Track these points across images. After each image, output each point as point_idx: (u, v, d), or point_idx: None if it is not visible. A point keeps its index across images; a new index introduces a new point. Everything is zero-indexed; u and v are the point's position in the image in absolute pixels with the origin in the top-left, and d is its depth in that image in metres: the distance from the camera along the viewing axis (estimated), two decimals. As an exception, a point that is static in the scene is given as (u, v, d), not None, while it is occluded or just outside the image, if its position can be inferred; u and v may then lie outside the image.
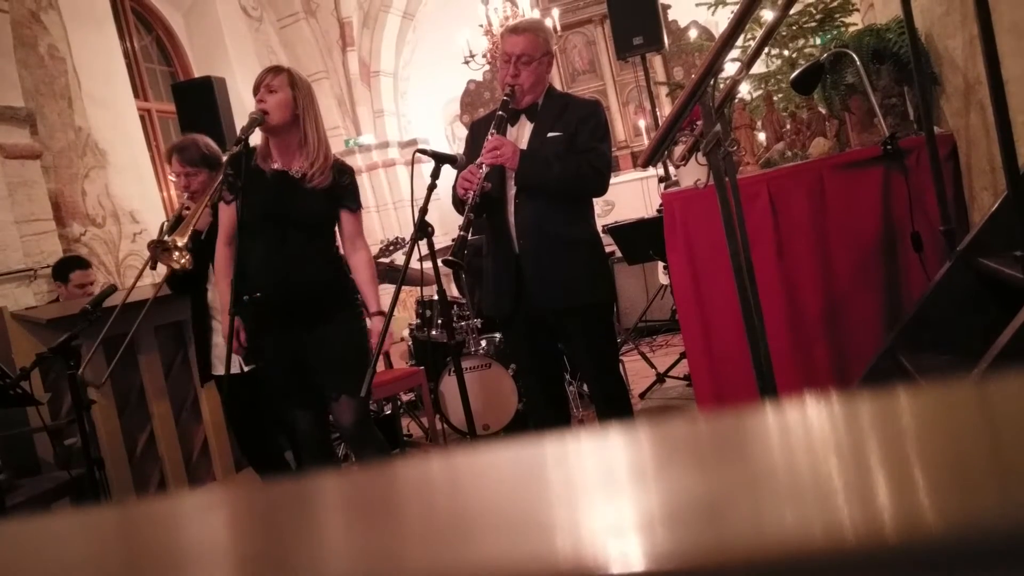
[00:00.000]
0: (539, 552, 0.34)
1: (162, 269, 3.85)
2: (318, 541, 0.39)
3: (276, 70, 3.41)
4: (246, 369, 3.68)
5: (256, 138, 3.48)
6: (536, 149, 3.33)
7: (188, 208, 3.86)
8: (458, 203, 3.32)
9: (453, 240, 3.22)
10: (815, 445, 0.41)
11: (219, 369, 3.85)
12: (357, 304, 3.52)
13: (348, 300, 3.49)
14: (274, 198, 3.36)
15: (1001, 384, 0.43)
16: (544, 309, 3.38)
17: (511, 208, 3.36)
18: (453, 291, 6.84)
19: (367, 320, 3.50)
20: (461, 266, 3.23)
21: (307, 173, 3.36)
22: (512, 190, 3.35)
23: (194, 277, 3.81)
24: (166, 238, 3.61)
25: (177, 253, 3.57)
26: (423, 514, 0.41)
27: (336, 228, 3.52)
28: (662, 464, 0.41)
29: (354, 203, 3.49)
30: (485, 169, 3.23)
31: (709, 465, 0.40)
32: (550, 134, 3.34)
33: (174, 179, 4.11)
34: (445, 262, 3.20)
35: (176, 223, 3.80)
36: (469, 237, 3.23)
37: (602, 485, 0.40)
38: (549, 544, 0.34)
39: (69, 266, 5.22)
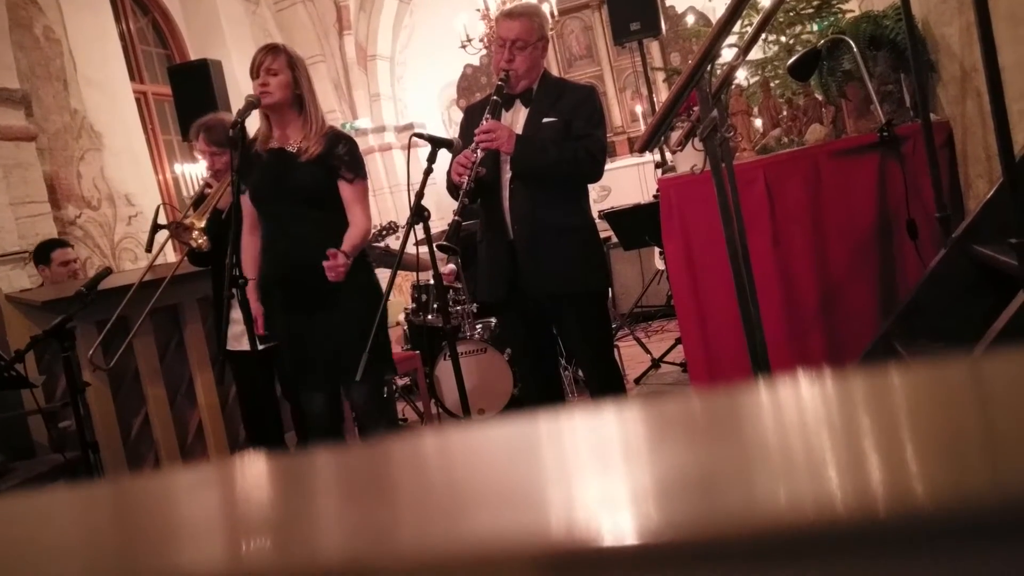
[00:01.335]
0: (533, 526, 0.34)
1: (162, 255, 3.87)
2: (313, 517, 0.40)
3: (274, 51, 3.37)
4: (260, 347, 3.66)
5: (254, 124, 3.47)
6: (531, 134, 3.32)
7: (210, 187, 3.90)
8: (452, 188, 3.31)
9: (449, 225, 3.22)
10: (807, 422, 0.41)
11: (234, 345, 3.85)
12: (366, 282, 3.44)
13: (357, 277, 3.37)
14: (271, 176, 3.35)
15: (989, 362, 0.43)
16: (538, 295, 3.38)
17: (506, 194, 3.36)
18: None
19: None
20: (455, 251, 3.24)
21: (302, 147, 3.35)
22: (507, 176, 3.34)
23: (216, 252, 3.80)
24: (185, 220, 3.67)
25: (196, 233, 3.62)
26: (418, 490, 0.41)
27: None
28: (655, 440, 0.42)
29: (350, 173, 3.38)
30: (480, 154, 3.23)
31: (702, 441, 0.40)
32: (545, 119, 3.33)
33: (200, 156, 4.12)
34: (439, 247, 3.20)
35: (198, 201, 3.85)
36: (463, 222, 3.23)
37: (595, 461, 0.40)
38: (543, 518, 0.34)
39: (48, 247, 5.18)
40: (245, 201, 3.45)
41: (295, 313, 3.38)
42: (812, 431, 0.40)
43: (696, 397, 0.45)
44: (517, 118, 3.39)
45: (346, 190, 3.38)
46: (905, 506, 0.31)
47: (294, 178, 3.32)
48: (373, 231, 5.54)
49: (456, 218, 3.17)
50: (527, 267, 3.33)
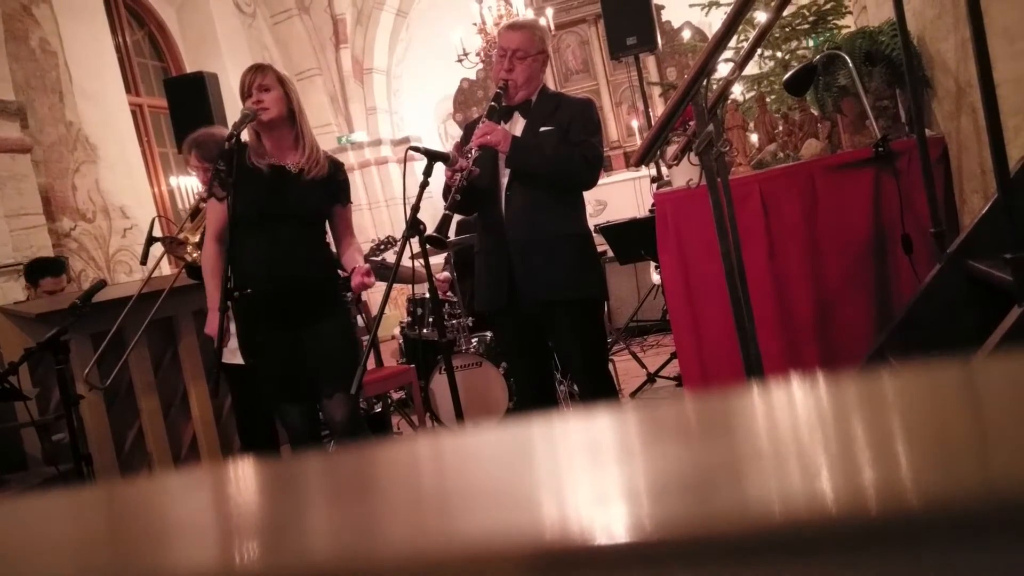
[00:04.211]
0: (526, 525, 0.34)
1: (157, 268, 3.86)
2: (305, 518, 0.39)
3: (262, 69, 3.42)
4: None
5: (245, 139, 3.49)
6: (528, 138, 3.35)
7: (205, 201, 3.90)
8: (448, 191, 3.33)
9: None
10: (798, 423, 0.41)
11: (229, 358, 3.84)
12: (347, 298, 3.54)
13: (340, 295, 3.51)
14: (271, 193, 3.36)
15: (978, 367, 0.43)
16: (533, 302, 3.38)
17: (502, 201, 3.37)
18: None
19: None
20: (444, 243, 3.26)
21: (304, 167, 3.37)
22: (504, 181, 3.36)
23: None
24: (180, 235, 3.67)
25: (191, 247, 3.63)
26: (411, 491, 0.41)
27: (328, 224, 3.55)
28: (648, 441, 0.42)
29: (347, 199, 3.55)
30: (475, 152, 3.25)
31: (694, 442, 0.40)
32: (543, 128, 3.36)
33: (192, 172, 4.13)
34: (428, 238, 3.23)
35: (194, 215, 3.86)
36: (460, 236, 3.25)
37: (588, 461, 0.40)
38: (535, 517, 0.34)
39: (40, 271, 5.14)
40: (220, 208, 3.40)
41: (281, 327, 3.39)
42: (803, 432, 0.40)
43: (689, 400, 0.45)
44: (515, 129, 3.41)
45: (343, 214, 3.54)
46: (896, 505, 0.31)
47: (298, 197, 3.35)
48: (371, 244, 5.56)
49: (446, 211, 3.21)
50: (523, 273, 3.34)
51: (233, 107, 6.13)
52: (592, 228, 3.68)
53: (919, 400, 0.42)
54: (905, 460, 0.35)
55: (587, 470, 0.39)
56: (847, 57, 3.54)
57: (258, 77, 3.36)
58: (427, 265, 3.38)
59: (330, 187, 3.45)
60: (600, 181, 3.50)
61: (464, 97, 11.27)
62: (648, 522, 0.32)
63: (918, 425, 0.39)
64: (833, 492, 0.32)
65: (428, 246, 3.32)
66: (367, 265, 3.39)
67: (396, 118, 11.57)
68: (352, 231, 3.60)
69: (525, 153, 3.29)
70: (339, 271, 3.62)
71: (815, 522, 0.31)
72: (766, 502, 0.32)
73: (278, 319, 3.39)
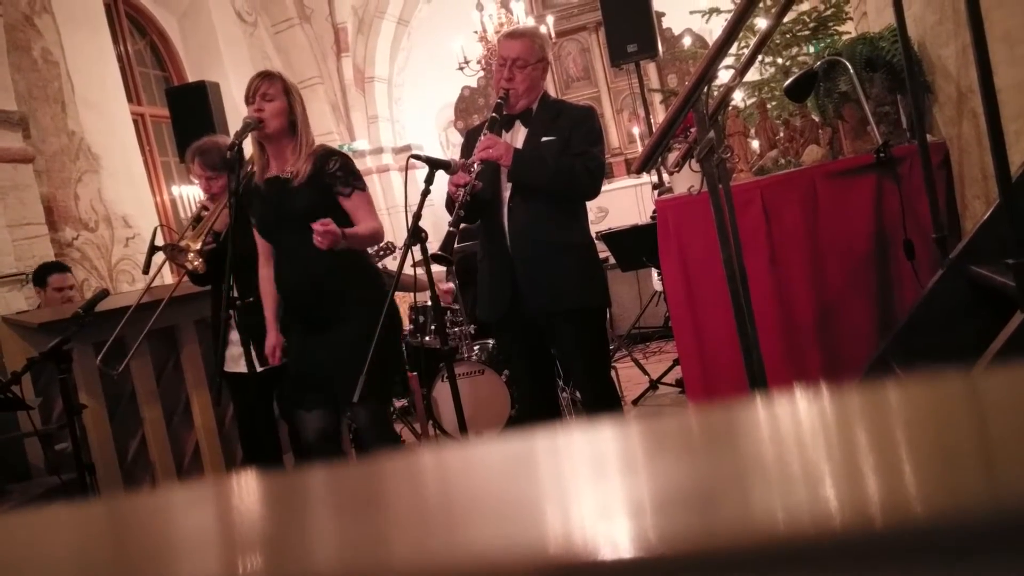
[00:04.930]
0: (531, 539, 0.34)
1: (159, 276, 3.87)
2: (309, 531, 0.39)
3: (269, 77, 3.39)
4: (260, 369, 3.65)
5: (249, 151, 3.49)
6: (530, 150, 3.35)
7: (207, 209, 3.91)
8: (450, 204, 3.33)
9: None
10: (802, 435, 0.41)
11: (231, 366, 3.84)
12: (374, 301, 3.39)
13: (364, 297, 3.39)
14: (270, 205, 3.38)
15: (982, 378, 0.43)
16: (536, 312, 3.38)
17: (504, 212, 3.37)
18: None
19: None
20: (450, 261, 3.27)
21: (293, 171, 3.35)
22: (506, 193, 3.36)
23: (215, 273, 3.80)
24: (181, 242, 3.68)
25: (192, 255, 3.63)
26: (416, 504, 0.41)
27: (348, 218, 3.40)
28: (652, 454, 0.42)
29: (346, 187, 3.36)
30: (477, 167, 3.25)
31: (699, 455, 0.40)
32: (544, 138, 3.36)
33: (195, 180, 4.12)
34: (434, 257, 3.22)
35: (195, 223, 3.86)
36: (464, 243, 3.25)
37: (592, 475, 0.40)
38: (540, 531, 0.34)
39: (46, 271, 5.18)
40: (257, 234, 3.52)
41: (302, 334, 3.40)
42: (808, 444, 0.40)
43: (692, 412, 0.45)
44: (516, 138, 3.41)
45: (346, 203, 3.37)
46: (901, 518, 0.31)
47: (290, 203, 3.33)
48: (371, 251, 5.53)
49: (451, 229, 3.20)
50: (526, 283, 3.35)
51: (235, 116, 6.15)
52: (594, 235, 3.69)
53: (923, 412, 0.42)
54: (910, 472, 0.35)
55: (592, 483, 0.39)
56: (848, 63, 3.54)
57: (263, 85, 3.34)
58: (428, 273, 3.38)
59: (320, 182, 3.33)
60: (602, 188, 3.49)
61: (465, 105, 11.28)
62: (653, 536, 0.32)
63: (923, 437, 0.39)
64: (838, 505, 0.32)
65: (434, 262, 3.31)
66: (326, 223, 3.15)
67: (397, 126, 11.58)
68: (364, 213, 3.39)
69: (527, 166, 3.29)
70: (366, 270, 3.56)
71: (820, 535, 0.31)
72: (771, 515, 0.32)
73: (297, 325, 3.43)
